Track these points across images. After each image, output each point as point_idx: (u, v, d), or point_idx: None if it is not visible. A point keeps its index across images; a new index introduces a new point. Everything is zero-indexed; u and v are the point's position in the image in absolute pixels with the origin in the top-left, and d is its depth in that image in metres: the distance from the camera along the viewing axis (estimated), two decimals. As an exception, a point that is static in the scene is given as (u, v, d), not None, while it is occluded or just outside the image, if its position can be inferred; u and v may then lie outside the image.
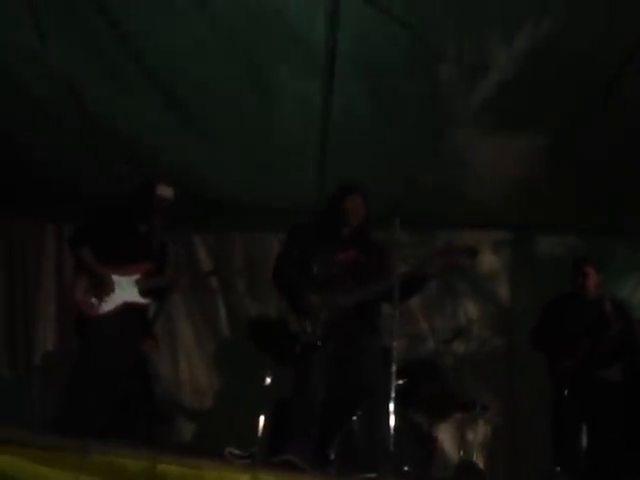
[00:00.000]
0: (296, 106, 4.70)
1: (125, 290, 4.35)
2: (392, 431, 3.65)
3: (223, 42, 4.26)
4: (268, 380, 5.01)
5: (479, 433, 5.58)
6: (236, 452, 3.46)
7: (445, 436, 5.75)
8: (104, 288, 4.27)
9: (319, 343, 4.01)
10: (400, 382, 4.81)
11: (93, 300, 4.26)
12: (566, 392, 4.81)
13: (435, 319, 6.25)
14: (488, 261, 6.31)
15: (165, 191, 4.49)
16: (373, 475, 3.26)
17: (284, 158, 5.25)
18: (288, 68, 4.42)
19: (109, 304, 4.28)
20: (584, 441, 4.73)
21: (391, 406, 3.71)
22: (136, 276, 4.41)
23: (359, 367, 4.10)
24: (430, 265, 4.22)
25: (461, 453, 5.28)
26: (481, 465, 5.06)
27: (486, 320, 6.33)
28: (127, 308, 4.35)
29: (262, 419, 4.85)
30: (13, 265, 6.31)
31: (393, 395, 3.75)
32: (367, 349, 4.18)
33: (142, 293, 4.40)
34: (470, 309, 6.34)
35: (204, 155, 5.28)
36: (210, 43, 4.27)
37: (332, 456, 4.39)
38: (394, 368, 3.78)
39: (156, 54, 4.37)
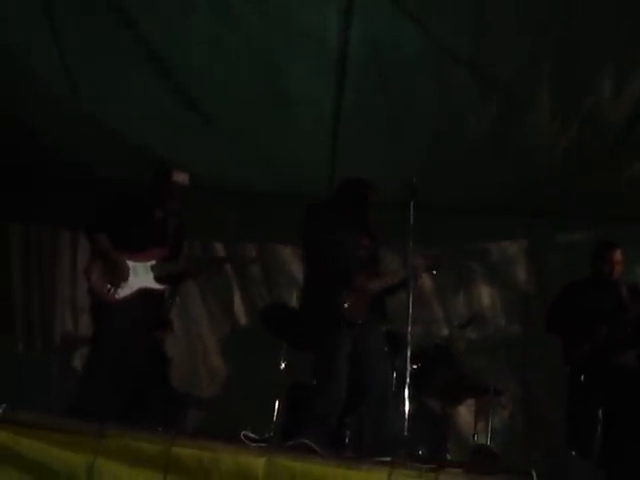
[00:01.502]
0: (309, 101, 4.82)
1: (141, 276, 4.37)
2: (406, 416, 3.68)
3: (237, 39, 4.37)
4: (282, 365, 5.04)
5: (493, 417, 5.59)
6: (251, 435, 3.48)
7: (459, 420, 5.78)
8: (120, 274, 4.29)
9: (355, 325, 4.06)
10: (414, 367, 4.86)
11: (109, 286, 4.28)
12: (582, 377, 4.79)
13: (450, 304, 6.25)
14: (504, 247, 6.30)
15: (181, 177, 4.50)
16: (387, 459, 3.27)
17: (297, 149, 5.33)
18: (301, 63, 4.52)
19: (125, 290, 4.30)
20: (599, 426, 4.72)
21: (405, 391, 3.75)
22: (152, 262, 4.42)
23: (372, 353, 4.12)
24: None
25: (475, 437, 5.29)
26: (495, 449, 5.05)
27: (502, 306, 6.32)
28: (143, 294, 4.36)
29: (277, 404, 4.87)
30: (29, 252, 6.34)
31: (407, 380, 3.77)
32: (379, 335, 4.22)
33: (157, 279, 4.41)
34: (485, 295, 6.33)
35: (219, 146, 5.37)
36: (225, 41, 4.38)
37: (347, 439, 4.44)
38: (409, 353, 3.81)
39: (171, 50, 4.51)
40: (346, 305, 4.03)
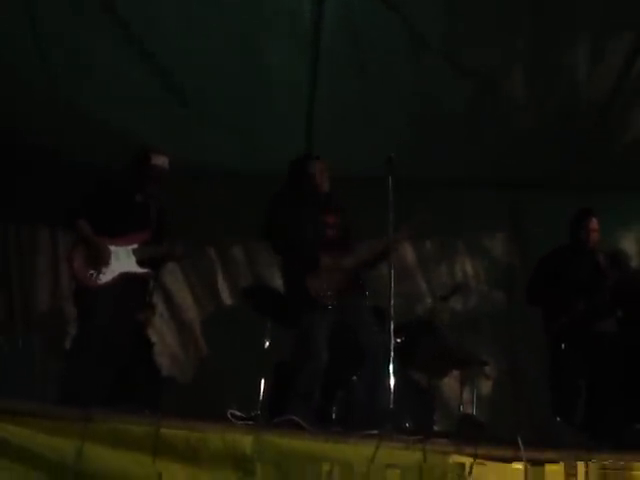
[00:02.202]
0: (284, 83, 4.90)
1: (123, 260, 4.34)
2: (392, 389, 3.72)
3: (213, 21, 4.38)
4: (267, 344, 5.05)
5: (479, 388, 5.66)
6: (238, 414, 3.50)
7: (445, 392, 5.84)
8: (101, 259, 4.27)
9: (327, 305, 4.07)
10: (398, 340, 4.89)
11: (91, 271, 4.27)
12: (563, 345, 4.85)
13: (433, 277, 6.29)
14: (486, 220, 6.34)
15: (160, 160, 4.46)
16: (374, 432, 3.30)
17: (274, 131, 5.36)
18: (276, 46, 4.60)
19: (107, 275, 4.28)
20: (582, 392, 4.79)
21: (390, 365, 3.78)
22: (134, 246, 4.41)
23: (358, 328, 4.15)
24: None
25: (461, 408, 5.35)
26: (481, 418, 5.12)
27: (485, 277, 6.38)
28: (126, 278, 4.34)
29: (263, 382, 4.89)
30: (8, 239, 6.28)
31: (392, 354, 3.80)
32: (364, 309, 4.23)
33: (140, 263, 4.39)
34: (468, 266, 6.38)
35: (197, 129, 5.40)
36: (200, 19, 4.39)
37: (334, 415, 4.47)
38: (392, 327, 3.83)
39: (148, 33, 4.55)
40: (312, 285, 4.06)
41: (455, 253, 6.41)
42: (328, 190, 4.40)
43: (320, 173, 4.37)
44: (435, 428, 4.81)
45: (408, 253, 6.16)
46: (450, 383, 5.79)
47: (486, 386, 5.97)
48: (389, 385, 3.72)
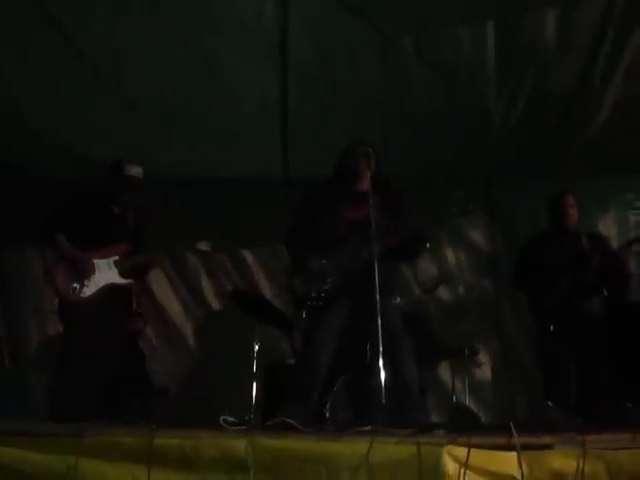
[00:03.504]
0: (253, 91, 4.94)
1: (105, 272, 4.34)
2: (383, 384, 3.72)
3: (173, 36, 4.41)
4: (256, 347, 5.04)
5: (471, 376, 5.69)
6: (230, 419, 3.48)
7: (437, 383, 5.84)
8: (83, 273, 4.26)
9: (321, 303, 4.04)
10: (387, 336, 4.89)
11: (74, 285, 4.24)
12: (551, 327, 4.88)
13: (418, 269, 6.30)
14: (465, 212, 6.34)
15: (134, 170, 4.45)
16: (367, 427, 3.30)
17: (248, 137, 5.37)
18: (240, 54, 4.57)
19: (90, 288, 4.27)
20: (572, 374, 4.82)
21: (380, 360, 3.77)
22: (114, 257, 4.39)
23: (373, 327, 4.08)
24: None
25: (454, 398, 5.36)
26: (473, 407, 5.14)
27: (470, 267, 6.40)
28: (110, 290, 4.34)
29: (255, 386, 4.88)
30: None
31: (381, 349, 3.80)
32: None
33: (122, 274, 4.39)
34: (452, 258, 6.40)
35: (168, 141, 5.45)
36: (161, 38, 4.42)
37: (327, 414, 4.47)
38: (379, 322, 3.82)
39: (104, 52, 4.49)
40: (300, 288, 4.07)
41: (439, 246, 6.40)
42: (374, 175, 4.14)
43: (355, 162, 4.19)
44: (428, 420, 4.82)
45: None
46: (442, 374, 5.82)
47: (478, 374, 5.99)
48: (380, 381, 3.72)
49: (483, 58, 4.73)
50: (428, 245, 4.39)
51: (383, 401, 3.66)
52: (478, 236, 6.49)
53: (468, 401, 5.33)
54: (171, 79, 4.79)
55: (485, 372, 6.06)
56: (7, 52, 4.50)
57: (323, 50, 4.62)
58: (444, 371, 5.77)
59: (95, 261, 4.32)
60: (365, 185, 4.11)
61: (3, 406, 4.49)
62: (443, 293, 6.18)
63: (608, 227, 6.15)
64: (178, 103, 5.03)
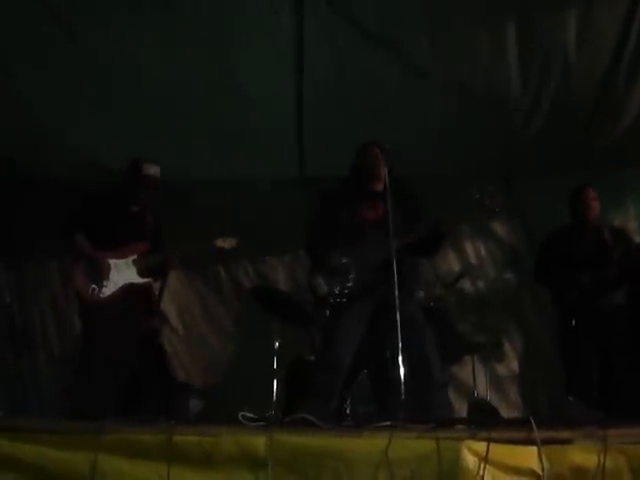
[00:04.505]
0: (269, 92, 4.95)
1: (124, 272, 4.38)
2: (402, 379, 3.71)
3: (188, 37, 4.43)
4: (277, 344, 5.05)
5: (492, 371, 5.66)
6: (249, 415, 3.49)
7: (458, 378, 5.82)
8: (101, 273, 4.29)
9: (345, 300, 4.05)
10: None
11: (93, 286, 4.28)
12: (573, 322, 4.84)
13: (439, 264, 6.27)
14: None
15: (152, 169, 4.49)
16: (386, 423, 3.29)
17: (264, 137, 5.40)
18: (256, 54, 4.60)
19: (109, 288, 4.31)
20: (595, 368, 4.78)
21: (400, 356, 3.77)
22: (133, 257, 4.42)
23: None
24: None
25: (475, 393, 5.33)
26: (495, 402, 5.11)
27: (490, 260, 6.37)
28: (128, 290, 4.37)
29: (275, 383, 4.89)
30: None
31: (400, 344, 3.79)
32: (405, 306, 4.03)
33: (140, 273, 4.42)
34: (472, 251, 6.37)
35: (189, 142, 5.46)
36: (176, 39, 4.45)
37: (347, 410, 4.46)
38: (398, 317, 3.81)
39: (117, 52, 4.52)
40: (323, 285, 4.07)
41: (459, 240, 6.37)
42: (384, 185, 4.14)
43: (377, 162, 4.21)
44: (450, 415, 4.80)
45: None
46: (463, 369, 5.79)
47: (500, 369, 5.96)
48: (399, 376, 3.72)
49: (504, 59, 4.71)
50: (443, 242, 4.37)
51: (403, 396, 3.67)
52: (499, 231, 6.43)
53: (489, 396, 5.30)
54: (186, 79, 4.80)
55: (507, 367, 6.02)
56: (19, 53, 4.52)
57: (338, 51, 4.63)
58: (465, 366, 5.72)
59: (113, 261, 4.35)
60: (381, 185, 4.16)
61: (24, 404, 4.54)
62: (465, 287, 6.15)
63: (628, 222, 6.07)
64: (194, 103, 5.04)
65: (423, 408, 3.83)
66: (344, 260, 4.10)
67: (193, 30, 4.43)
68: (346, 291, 4.06)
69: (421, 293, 4.47)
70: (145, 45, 4.50)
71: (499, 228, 6.43)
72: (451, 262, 6.29)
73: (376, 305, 4.11)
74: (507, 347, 6.02)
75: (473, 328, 5.98)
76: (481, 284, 6.31)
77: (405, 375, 3.73)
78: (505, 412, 5.41)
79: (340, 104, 5.06)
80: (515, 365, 6.04)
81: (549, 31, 4.52)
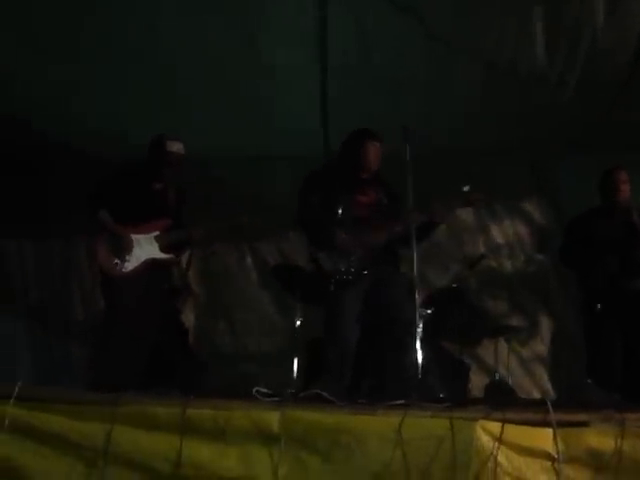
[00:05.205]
0: (294, 74, 5.02)
1: (146, 248, 4.42)
2: (421, 359, 3.71)
3: (216, 20, 4.49)
4: (297, 322, 5.06)
5: (516, 353, 5.62)
6: (264, 390, 3.52)
7: (481, 359, 5.80)
8: (124, 248, 4.34)
9: (351, 277, 4.09)
10: (429, 311, 4.88)
11: (116, 261, 4.33)
12: (599, 306, 4.77)
13: (467, 245, 6.23)
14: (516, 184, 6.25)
15: (175, 146, 4.50)
16: (401, 401, 3.29)
17: (289, 120, 5.43)
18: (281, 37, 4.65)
19: (132, 263, 4.35)
20: (618, 353, 4.71)
21: (418, 335, 3.77)
22: (155, 233, 4.46)
23: (390, 302, 4.13)
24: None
25: (496, 376, 5.30)
26: (517, 384, 5.08)
27: (515, 241, 6.32)
28: (150, 265, 4.42)
29: (295, 360, 4.91)
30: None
31: (419, 324, 3.80)
32: (395, 284, 4.22)
33: (163, 249, 4.46)
34: (501, 231, 6.32)
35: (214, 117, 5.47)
36: (204, 22, 4.51)
37: (365, 388, 4.47)
38: (417, 297, 3.82)
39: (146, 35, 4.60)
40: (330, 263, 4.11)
41: (491, 219, 6.32)
42: (377, 169, 4.38)
43: (374, 154, 4.34)
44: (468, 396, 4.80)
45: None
46: (484, 351, 5.76)
47: (525, 351, 5.92)
48: (416, 355, 3.72)
49: (530, 34, 4.65)
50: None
51: (419, 376, 3.68)
52: (528, 211, 6.36)
53: (512, 378, 5.27)
54: (213, 62, 4.86)
55: (532, 349, 5.97)
56: (45, 27, 4.57)
57: (363, 33, 4.64)
58: (487, 348, 5.69)
59: (136, 236, 4.39)
60: (368, 175, 4.37)
61: (50, 376, 4.63)
62: (492, 267, 6.10)
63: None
64: (219, 84, 5.09)
65: (392, 386, 3.88)
66: (347, 239, 4.15)
67: (217, 13, 4.45)
68: (352, 269, 4.11)
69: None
70: (170, 19, 4.54)
71: (528, 208, 6.35)
72: (474, 243, 6.23)
73: (371, 283, 4.18)
74: (533, 329, 5.97)
75: (500, 309, 5.95)
76: (507, 265, 6.26)
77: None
78: (527, 394, 5.39)
79: (364, 85, 5.06)
80: (540, 347, 5.99)
81: (577, 6, 4.43)
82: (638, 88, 5.15)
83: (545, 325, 6.05)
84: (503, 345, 5.51)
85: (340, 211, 4.20)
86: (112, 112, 5.39)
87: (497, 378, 5.23)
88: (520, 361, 5.80)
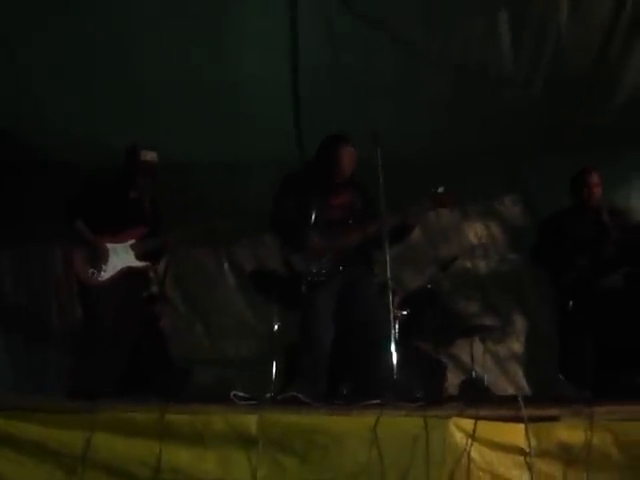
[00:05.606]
0: (266, 77, 5.04)
1: (122, 256, 4.45)
2: (396, 360, 3.77)
3: (186, 22, 4.54)
4: (275, 327, 5.11)
5: (493, 351, 5.70)
6: (241, 394, 3.56)
7: (456, 359, 5.88)
8: (100, 257, 4.37)
9: (323, 279, 4.16)
10: (404, 313, 4.94)
11: (92, 270, 4.35)
12: (571, 303, 4.85)
13: (441, 246, 6.30)
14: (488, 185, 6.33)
15: (149, 155, 4.53)
16: (376, 401, 3.34)
17: (262, 122, 5.49)
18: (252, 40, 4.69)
19: (108, 272, 4.39)
20: (590, 349, 4.79)
21: (392, 336, 3.83)
22: (131, 241, 4.49)
23: (362, 303, 4.20)
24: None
25: (473, 374, 5.38)
26: (493, 381, 5.15)
27: (493, 242, 6.41)
28: (127, 273, 4.44)
29: (274, 364, 4.95)
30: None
31: (394, 326, 3.86)
32: (368, 286, 4.28)
33: (139, 257, 4.49)
34: (475, 232, 6.40)
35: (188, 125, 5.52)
36: (175, 24, 4.56)
37: (345, 391, 4.53)
38: (391, 300, 3.88)
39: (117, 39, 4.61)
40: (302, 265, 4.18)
41: (465, 220, 6.42)
42: (350, 174, 4.43)
43: (348, 159, 4.39)
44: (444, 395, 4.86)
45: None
46: (461, 349, 5.84)
47: (500, 349, 6.00)
48: (392, 356, 3.77)
49: (496, 36, 4.74)
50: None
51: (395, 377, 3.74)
52: (502, 211, 6.45)
53: (487, 376, 5.35)
54: (184, 64, 4.89)
55: (507, 347, 6.06)
56: (22, 38, 4.61)
57: (333, 36, 4.70)
58: (465, 346, 5.76)
59: (112, 245, 4.42)
60: (342, 178, 4.42)
61: (24, 384, 4.63)
62: (466, 268, 6.19)
63: (631, 200, 6.07)
64: (191, 87, 5.13)
65: (367, 387, 3.92)
66: (319, 241, 4.21)
67: (188, 14, 4.49)
68: (323, 271, 4.17)
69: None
70: (142, 28, 4.59)
71: (500, 208, 6.44)
72: (449, 245, 6.31)
73: (343, 284, 4.24)
74: (507, 328, 6.06)
75: (474, 309, 6.03)
76: (482, 265, 6.34)
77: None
78: (504, 392, 5.47)
79: (336, 86, 5.11)
80: (515, 345, 6.08)
81: (542, 8, 4.53)
82: (604, 87, 5.26)
83: (520, 323, 6.13)
84: (479, 344, 5.58)
85: (313, 214, 4.25)
86: (89, 121, 5.43)
87: (469, 376, 5.30)
88: (496, 359, 5.90)
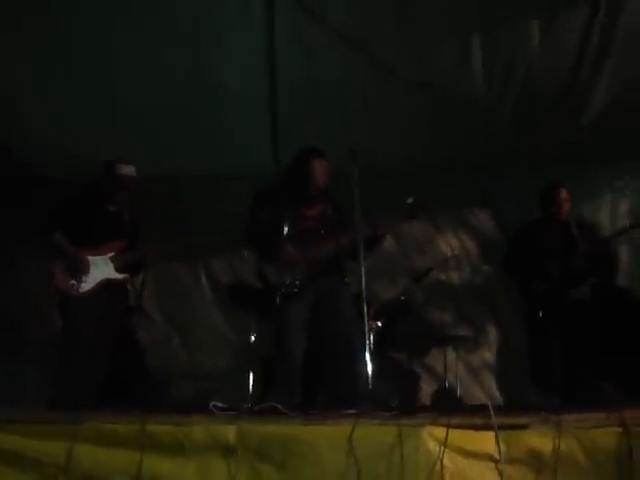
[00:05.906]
0: (243, 91, 5.11)
1: (102, 268, 4.50)
2: (370, 370, 3.85)
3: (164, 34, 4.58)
4: (252, 338, 5.16)
5: (466, 361, 5.79)
6: (220, 405, 3.61)
7: (431, 368, 5.96)
8: (80, 269, 4.41)
9: (296, 290, 4.23)
10: (379, 324, 5.03)
11: (72, 281, 4.40)
12: (540, 314, 4.96)
13: (415, 258, 6.40)
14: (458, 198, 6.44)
15: (127, 169, 4.59)
16: (352, 411, 3.42)
17: (239, 136, 5.58)
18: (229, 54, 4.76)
19: (88, 284, 4.43)
20: (558, 359, 4.90)
21: (367, 347, 3.91)
22: (110, 254, 4.54)
23: (336, 314, 4.28)
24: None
25: (446, 384, 5.47)
26: (466, 391, 5.23)
27: (466, 253, 6.51)
28: (106, 285, 4.49)
29: (251, 376, 5.01)
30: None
31: (368, 337, 3.93)
32: (341, 296, 4.37)
33: (118, 269, 4.54)
34: (444, 244, 6.49)
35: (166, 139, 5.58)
36: (152, 39, 4.63)
37: (320, 401, 4.59)
38: (365, 311, 3.95)
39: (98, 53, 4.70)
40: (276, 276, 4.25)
41: (438, 232, 6.50)
42: (324, 187, 4.48)
43: (320, 171, 4.45)
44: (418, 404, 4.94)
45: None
46: (432, 361, 5.93)
47: (473, 359, 6.09)
48: (366, 366, 3.85)
49: (469, 58, 4.88)
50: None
51: (370, 387, 3.81)
52: (473, 224, 6.56)
53: (461, 385, 5.43)
54: (162, 79, 4.97)
55: (480, 357, 6.15)
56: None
57: (310, 50, 4.81)
58: (439, 356, 5.84)
59: (92, 258, 4.47)
60: (317, 190, 4.47)
61: (4, 396, 4.64)
62: (440, 280, 6.28)
63: (599, 214, 6.22)
64: (169, 101, 5.20)
65: (343, 397, 3.99)
66: (292, 252, 4.29)
67: (167, 28, 4.59)
68: (297, 282, 4.25)
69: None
70: (121, 41, 4.66)
71: (472, 220, 6.54)
72: (422, 257, 6.40)
73: (317, 295, 4.31)
74: (480, 338, 6.15)
75: (447, 319, 6.11)
76: (454, 277, 6.43)
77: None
78: (477, 401, 5.55)
79: (312, 102, 5.21)
80: (487, 355, 6.17)
81: (513, 32, 4.67)
82: (574, 105, 5.41)
83: (492, 333, 6.23)
84: (452, 354, 5.67)
85: (287, 225, 4.34)
86: (71, 136, 5.48)
87: (446, 386, 5.39)
88: (469, 369, 5.97)
